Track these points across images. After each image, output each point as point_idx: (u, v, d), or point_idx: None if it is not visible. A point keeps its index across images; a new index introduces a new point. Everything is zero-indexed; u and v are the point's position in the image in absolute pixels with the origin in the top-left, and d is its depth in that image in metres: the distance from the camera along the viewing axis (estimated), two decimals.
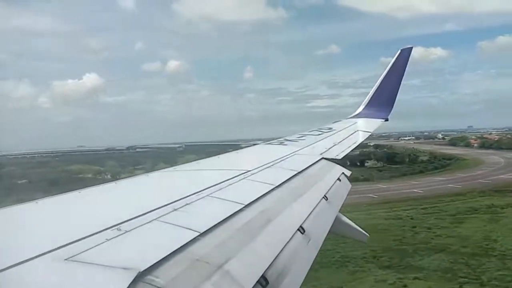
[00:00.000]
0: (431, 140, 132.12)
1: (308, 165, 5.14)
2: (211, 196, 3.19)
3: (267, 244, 2.68)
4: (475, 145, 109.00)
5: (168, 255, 2.03)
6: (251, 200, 3.19)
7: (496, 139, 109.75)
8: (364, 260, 29.52)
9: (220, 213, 2.77)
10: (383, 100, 11.39)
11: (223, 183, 3.60)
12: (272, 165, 4.80)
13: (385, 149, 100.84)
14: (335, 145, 7.13)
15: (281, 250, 2.63)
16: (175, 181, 4.13)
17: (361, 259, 29.70)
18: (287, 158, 5.42)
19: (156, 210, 2.65)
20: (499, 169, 71.26)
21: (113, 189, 3.51)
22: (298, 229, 3.05)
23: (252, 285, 2.13)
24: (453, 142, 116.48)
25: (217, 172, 4.33)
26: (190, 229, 2.41)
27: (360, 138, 8.72)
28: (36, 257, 1.86)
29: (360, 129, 9.77)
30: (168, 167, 4.68)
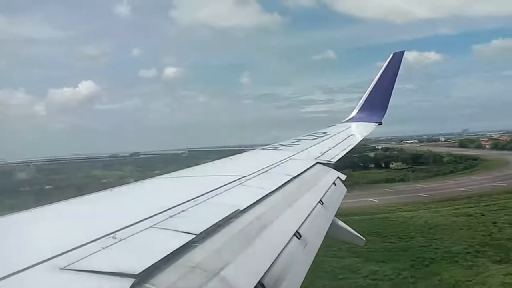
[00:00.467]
0: (434, 143, 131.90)
1: (303, 169, 5.15)
2: (207, 202, 3.18)
3: (263, 250, 2.68)
4: (487, 146, 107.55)
5: (165, 261, 2.02)
6: (247, 206, 3.19)
7: (508, 140, 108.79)
8: (471, 255, 29.51)
9: (216, 219, 2.76)
10: (376, 104, 11.48)
11: (218, 189, 3.59)
12: (267, 170, 4.80)
13: (395, 152, 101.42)
14: (329, 149, 7.16)
15: (278, 256, 2.63)
16: (171, 187, 4.12)
17: (465, 254, 29.72)
18: (282, 163, 5.43)
19: (152, 217, 2.64)
20: None
21: (108, 197, 3.49)
22: (295, 234, 3.05)
23: None
24: (462, 144, 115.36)
25: (213, 178, 4.33)
26: (186, 235, 2.40)
27: (355, 142, 8.76)
28: (32, 266, 1.85)
29: (354, 133, 9.82)
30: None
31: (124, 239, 2.27)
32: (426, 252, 29.88)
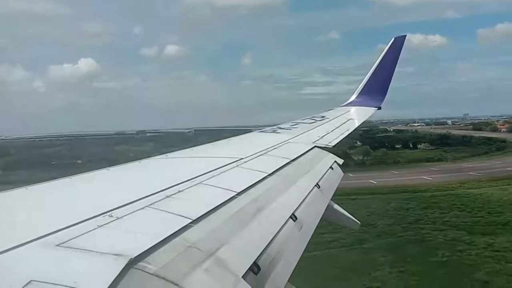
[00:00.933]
0: (441, 126, 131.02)
1: (300, 153, 5.15)
2: (204, 184, 3.18)
3: (259, 231, 2.70)
4: (503, 129, 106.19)
5: (160, 241, 2.03)
6: (244, 188, 3.20)
7: None
8: None
9: (212, 200, 2.77)
10: (376, 88, 11.41)
11: (215, 171, 3.60)
12: (265, 153, 4.80)
13: (409, 133, 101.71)
14: (328, 133, 7.15)
15: (273, 238, 2.65)
16: (168, 168, 4.12)
17: None
18: (280, 146, 5.43)
19: (149, 197, 2.64)
20: None
21: (105, 176, 3.49)
22: (290, 217, 3.07)
23: (244, 272, 2.14)
24: (478, 127, 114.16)
25: (210, 159, 4.32)
26: (182, 216, 2.41)
27: (353, 126, 8.75)
28: (27, 242, 1.85)
29: (353, 117, 9.80)
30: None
31: (121, 217, 2.27)
32: None
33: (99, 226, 2.12)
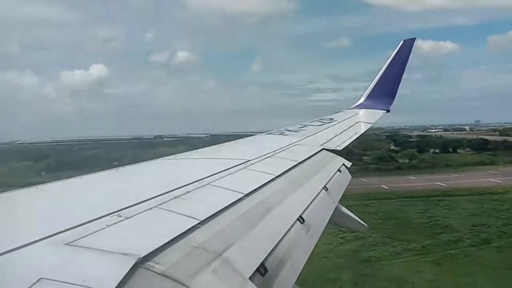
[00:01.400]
0: (459, 132, 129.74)
1: (308, 155, 5.14)
2: (212, 185, 3.19)
3: (266, 233, 2.70)
4: None
5: (168, 242, 2.04)
6: (251, 190, 3.20)
7: None
8: None
9: (220, 202, 2.78)
10: (385, 91, 11.35)
11: (223, 172, 3.61)
12: (273, 155, 4.80)
13: (433, 138, 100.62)
14: (336, 136, 7.13)
15: (281, 239, 2.65)
16: (176, 169, 4.14)
17: None
18: (287, 148, 5.43)
19: (157, 198, 2.66)
20: None
21: (114, 176, 3.52)
22: (298, 219, 3.06)
23: (251, 273, 2.14)
24: (504, 133, 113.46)
25: (218, 161, 4.33)
26: (190, 216, 2.42)
27: (361, 129, 8.71)
28: (37, 241, 1.87)
29: (361, 120, 9.76)
30: None
31: (129, 217, 2.29)
32: None
33: (107, 226, 2.14)
